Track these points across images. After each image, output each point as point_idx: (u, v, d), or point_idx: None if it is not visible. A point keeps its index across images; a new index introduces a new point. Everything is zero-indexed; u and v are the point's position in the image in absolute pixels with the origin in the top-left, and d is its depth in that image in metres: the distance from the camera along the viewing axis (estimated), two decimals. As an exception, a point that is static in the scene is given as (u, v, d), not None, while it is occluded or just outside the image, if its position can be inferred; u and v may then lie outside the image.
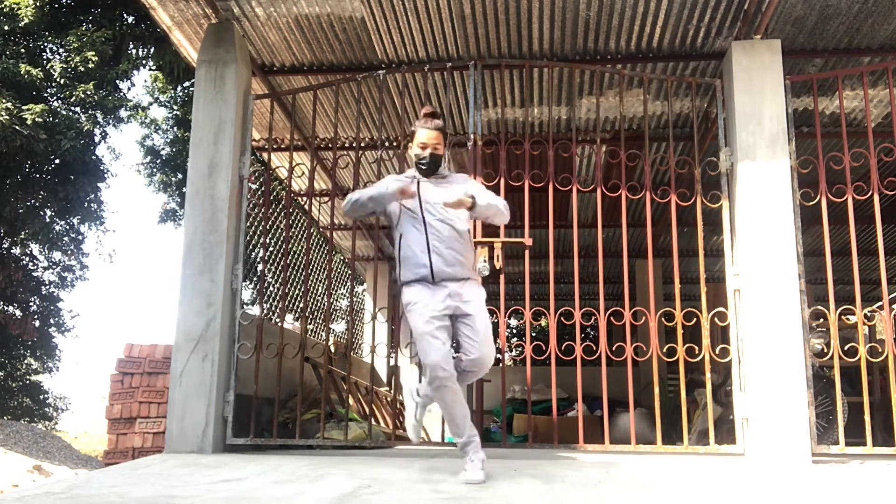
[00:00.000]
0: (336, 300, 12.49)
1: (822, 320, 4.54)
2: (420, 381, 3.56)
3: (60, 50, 10.51)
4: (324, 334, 6.97)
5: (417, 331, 3.27)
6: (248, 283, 10.32)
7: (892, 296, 4.75)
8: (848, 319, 4.65)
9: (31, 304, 12.53)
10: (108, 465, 5.34)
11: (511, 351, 16.02)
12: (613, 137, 6.21)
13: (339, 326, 13.09)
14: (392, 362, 9.86)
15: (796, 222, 4.40)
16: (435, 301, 3.29)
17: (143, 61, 11.27)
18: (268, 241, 5.60)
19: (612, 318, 4.59)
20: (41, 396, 14.54)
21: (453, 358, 3.26)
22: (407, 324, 3.41)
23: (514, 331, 17.37)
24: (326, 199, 7.01)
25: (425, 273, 3.32)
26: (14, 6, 10.16)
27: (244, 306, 6.77)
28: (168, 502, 2.72)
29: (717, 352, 4.37)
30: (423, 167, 3.44)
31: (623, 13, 4.71)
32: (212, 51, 4.80)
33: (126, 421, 5.65)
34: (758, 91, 4.55)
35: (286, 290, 5.16)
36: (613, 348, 4.47)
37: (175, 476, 3.37)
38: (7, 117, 9.07)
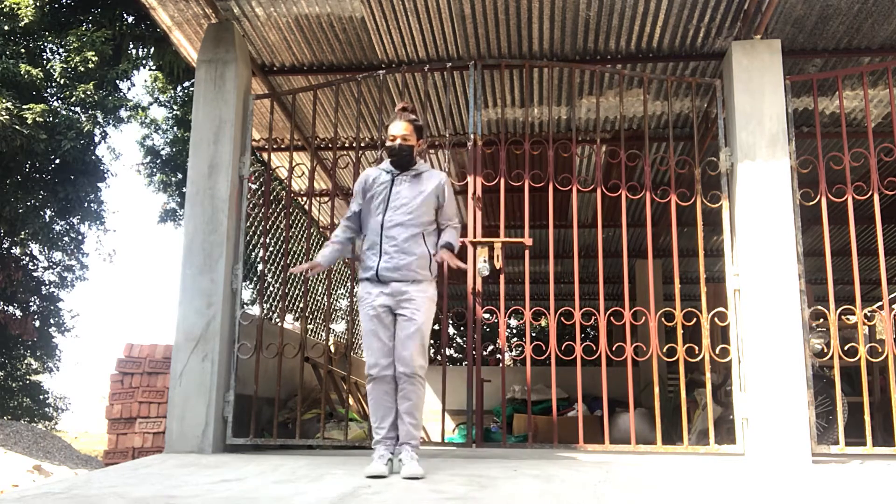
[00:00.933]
0: (336, 300, 12.49)
1: (822, 320, 4.55)
2: None
3: (60, 50, 10.51)
4: (324, 334, 6.97)
5: (364, 327, 3.49)
6: (248, 283, 10.31)
7: (892, 296, 4.75)
8: (848, 319, 4.65)
9: (31, 304, 12.54)
10: (108, 465, 5.34)
11: (511, 351, 16.02)
12: (613, 137, 6.21)
13: (339, 326, 13.09)
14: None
15: (796, 222, 4.40)
16: (375, 297, 3.48)
17: (143, 61, 11.27)
18: (268, 241, 5.60)
19: (612, 318, 4.59)
20: (41, 396, 14.55)
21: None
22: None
23: (514, 331, 17.37)
24: (326, 199, 7.01)
25: (371, 274, 3.51)
26: (14, 6, 10.16)
27: (244, 306, 6.77)
28: (168, 502, 2.72)
29: (717, 352, 4.37)
30: (393, 158, 3.55)
31: (623, 13, 4.71)
32: (212, 51, 4.80)
33: (126, 421, 5.65)
34: (758, 91, 4.55)
35: (286, 290, 5.16)
36: (613, 348, 4.47)
37: (175, 476, 3.37)
38: (7, 117, 9.07)
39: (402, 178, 3.57)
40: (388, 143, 3.54)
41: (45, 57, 10.60)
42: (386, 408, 3.44)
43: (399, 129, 3.53)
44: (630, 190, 4.89)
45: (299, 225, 8.59)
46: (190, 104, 9.86)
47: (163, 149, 12.70)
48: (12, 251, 11.78)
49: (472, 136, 4.79)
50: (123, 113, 11.41)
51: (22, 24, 10.15)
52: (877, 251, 4.59)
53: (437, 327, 13.89)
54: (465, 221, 3.85)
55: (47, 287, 12.74)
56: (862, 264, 8.84)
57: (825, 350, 4.49)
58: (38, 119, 9.38)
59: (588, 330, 15.60)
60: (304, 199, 7.39)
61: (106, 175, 11.49)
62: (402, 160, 3.54)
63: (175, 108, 12.34)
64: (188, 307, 4.47)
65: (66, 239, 12.10)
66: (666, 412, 6.19)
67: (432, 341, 12.94)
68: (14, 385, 13.89)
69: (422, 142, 3.63)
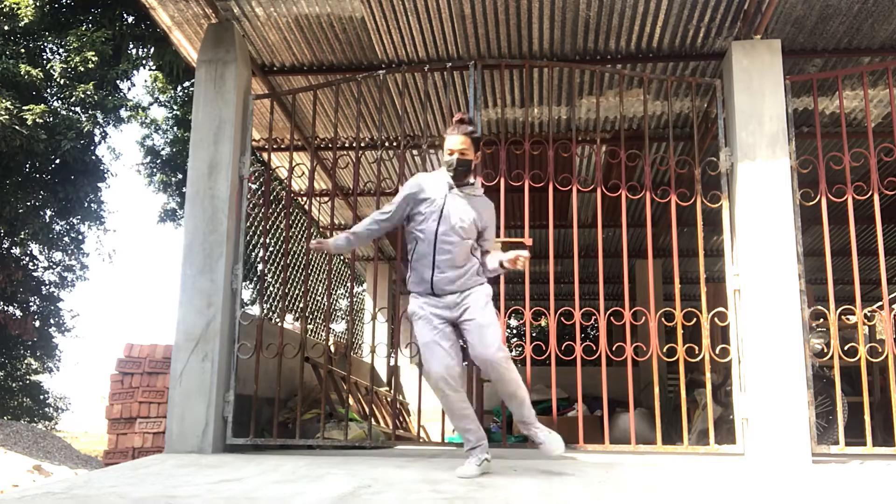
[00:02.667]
0: (336, 300, 12.49)
1: (822, 320, 4.54)
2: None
3: (60, 50, 10.51)
4: (324, 334, 6.97)
5: (422, 340, 3.42)
6: (248, 283, 10.31)
7: (892, 296, 4.75)
8: (848, 319, 4.65)
9: (31, 304, 12.53)
10: (108, 465, 5.33)
11: (511, 351, 16.02)
12: (613, 137, 6.21)
13: (339, 326, 13.09)
14: (392, 362, 9.85)
15: (796, 222, 4.40)
16: (437, 310, 3.45)
17: (143, 61, 11.27)
18: (268, 241, 5.60)
19: (612, 318, 4.59)
20: (41, 396, 14.54)
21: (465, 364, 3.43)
22: (410, 328, 3.58)
23: (515, 331, 17.37)
24: (326, 199, 7.01)
25: (427, 288, 3.48)
26: (14, 6, 10.16)
27: (244, 306, 6.77)
28: (168, 502, 2.72)
29: (717, 352, 4.37)
30: (452, 172, 3.48)
31: (623, 13, 4.71)
32: (212, 51, 4.80)
33: (126, 421, 5.64)
34: (758, 91, 4.55)
35: (286, 290, 5.16)
36: (613, 348, 4.47)
37: (175, 476, 3.37)
38: (7, 117, 9.07)
39: (458, 193, 3.50)
40: (447, 157, 3.48)
41: (45, 57, 10.60)
42: (469, 411, 3.43)
43: (456, 143, 3.46)
44: (630, 190, 4.89)
45: (299, 225, 8.59)
46: (190, 104, 9.86)
47: (163, 149, 12.70)
48: (12, 251, 11.78)
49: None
50: (123, 113, 11.42)
51: (22, 24, 10.15)
52: (877, 251, 4.59)
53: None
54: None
55: (47, 287, 12.74)
56: (862, 264, 8.84)
57: (825, 350, 4.49)
58: (38, 119, 9.38)
59: (588, 330, 15.60)
60: (304, 199, 7.39)
61: (106, 175, 11.48)
62: (460, 174, 3.49)
63: (175, 108, 12.34)
64: (188, 307, 4.47)
65: (66, 239, 12.10)
66: (666, 412, 6.19)
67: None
68: (14, 385, 13.88)
69: (478, 155, 3.58)
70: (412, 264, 3.54)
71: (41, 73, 10.01)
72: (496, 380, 3.40)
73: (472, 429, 3.45)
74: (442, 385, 3.33)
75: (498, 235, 4.71)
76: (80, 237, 12.23)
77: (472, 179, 3.59)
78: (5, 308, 11.97)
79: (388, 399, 8.22)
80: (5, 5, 10.14)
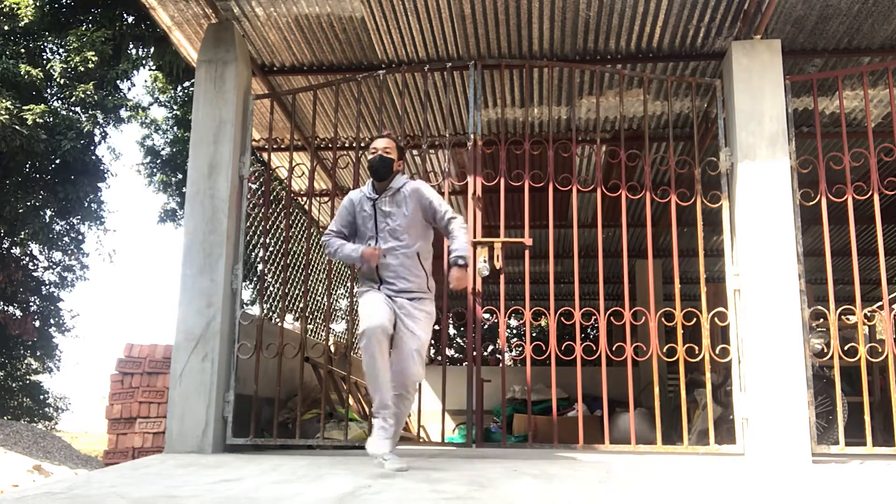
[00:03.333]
0: (336, 300, 12.49)
1: (822, 320, 4.54)
2: None
3: (60, 50, 10.51)
4: (324, 334, 6.97)
5: (365, 301, 3.56)
6: (248, 283, 10.31)
7: (892, 296, 4.75)
8: (848, 319, 4.65)
9: (31, 304, 12.53)
10: (108, 465, 5.33)
11: (511, 351, 16.03)
12: (613, 137, 6.21)
13: (339, 326, 13.09)
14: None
15: (796, 222, 4.40)
16: (379, 290, 3.62)
17: (143, 61, 11.27)
18: (268, 241, 5.60)
19: (612, 318, 4.59)
20: (41, 396, 14.54)
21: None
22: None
23: (514, 331, 17.37)
24: (326, 199, 7.01)
25: (375, 286, 3.65)
26: (14, 6, 10.16)
27: (244, 306, 6.77)
28: (168, 502, 2.72)
29: (717, 352, 4.37)
30: (372, 169, 3.63)
31: (623, 13, 4.71)
32: (212, 51, 4.80)
33: (126, 421, 5.64)
34: (758, 91, 4.55)
35: (286, 290, 5.16)
36: (613, 348, 4.47)
37: (175, 476, 3.37)
38: (7, 117, 9.07)
39: (383, 200, 3.66)
40: (370, 156, 3.65)
41: (45, 57, 10.60)
42: (385, 375, 3.47)
43: (381, 143, 3.67)
44: (630, 190, 4.89)
45: (299, 225, 8.59)
46: (190, 104, 9.86)
47: (163, 149, 12.70)
48: (12, 251, 11.78)
49: (472, 136, 4.79)
50: (123, 113, 11.42)
51: (22, 24, 10.15)
52: (877, 251, 4.59)
53: (437, 327, 13.88)
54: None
55: (47, 287, 12.74)
56: (862, 264, 8.83)
57: (825, 350, 4.49)
58: (38, 119, 9.38)
59: (588, 330, 15.60)
60: (304, 199, 7.39)
61: (106, 175, 11.49)
62: (381, 172, 3.63)
63: (175, 108, 12.34)
64: (188, 307, 4.47)
65: (66, 239, 12.10)
66: (666, 412, 6.19)
67: (433, 341, 12.93)
68: (14, 385, 13.88)
69: (401, 163, 3.73)
70: (360, 269, 3.73)
71: (41, 73, 10.01)
72: (400, 390, 3.50)
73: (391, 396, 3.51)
74: (375, 334, 3.37)
75: (497, 235, 4.72)
76: (80, 237, 12.23)
77: (400, 177, 3.71)
78: (5, 308, 11.98)
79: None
80: (5, 5, 10.14)
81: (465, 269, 3.61)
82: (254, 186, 6.25)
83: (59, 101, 10.46)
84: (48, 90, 10.46)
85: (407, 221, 3.61)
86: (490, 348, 16.92)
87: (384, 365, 3.43)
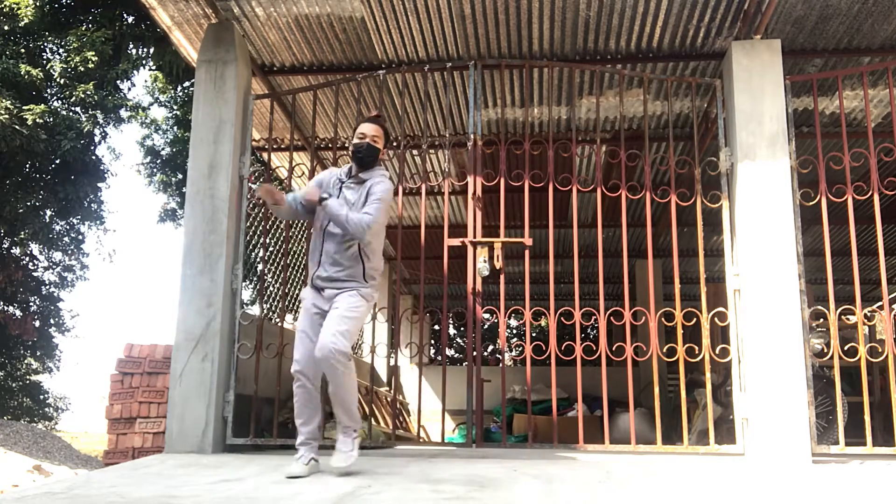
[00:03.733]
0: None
1: (822, 320, 4.54)
2: None
3: (60, 50, 10.51)
4: (324, 334, 6.95)
5: (297, 325, 3.53)
6: (248, 283, 10.31)
7: (892, 296, 4.75)
8: (848, 319, 4.65)
9: (31, 304, 12.53)
10: (108, 465, 5.33)
11: (511, 351, 16.03)
12: (613, 137, 6.21)
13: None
14: (392, 362, 9.85)
15: (796, 222, 4.40)
16: (314, 300, 3.50)
17: (143, 61, 11.27)
18: (268, 241, 5.60)
19: (612, 318, 4.59)
20: (41, 396, 14.55)
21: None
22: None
23: (514, 331, 17.38)
24: (326, 199, 6.99)
25: (310, 280, 3.54)
26: (14, 6, 10.16)
27: (244, 306, 6.77)
28: (168, 502, 2.72)
29: (717, 352, 4.37)
30: (359, 155, 3.52)
31: (623, 13, 4.71)
32: (212, 51, 4.80)
33: (126, 421, 5.64)
34: (758, 91, 4.55)
35: (286, 290, 5.16)
36: (613, 348, 4.47)
37: (175, 476, 3.37)
38: (7, 117, 9.07)
39: (349, 183, 3.57)
40: (356, 141, 3.51)
41: (45, 57, 10.60)
42: (311, 410, 3.48)
43: (370, 129, 3.53)
44: (630, 190, 4.89)
45: (299, 225, 8.58)
46: (190, 104, 9.86)
47: (163, 149, 12.71)
48: (12, 251, 11.78)
49: (472, 136, 4.79)
50: (123, 113, 11.42)
51: (22, 24, 10.15)
52: (877, 251, 4.59)
53: (436, 327, 13.89)
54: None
55: (47, 287, 12.74)
56: (862, 264, 8.83)
57: (825, 350, 4.49)
58: (38, 119, 9.38)
59: (588, 330, 15.60)
60: (304, 199, 7.38)
61: (106, 175, 11.49)
62: (365, 160, 3.53)
63: (175, 108, 12.34)
64: (188, 307, 4.47)
65: (66, 239, 12.11)
66: (666, 412, 6.19)
67: (432, 341, 12.93)
68: (14, 385, 13.88)
69: (386, 149, 3.64)
70: (308, 255, 3.62)
71: (41, 73, 10.00)
72: (328, 375, 3.35)
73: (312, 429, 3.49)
74: (297, 368, 3.42)
75: (497, 235, 4.72)
76: (80, 237, 12.24)
77: (376, 169, 3.59)
78: (5, 308, 11.98)
79: (388, 399, 8.22)
80: (5, 5, 10.14)
81: (320, 206, 3.44)
82: (254, 186, 6.25)
83: (59, 101, 10.46)
84: (48, 90, 10.46)
85: (357, 208, 3.46)
86: (490, 348, 16.93)
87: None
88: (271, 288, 8.65)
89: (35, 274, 12.45)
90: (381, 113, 3.65)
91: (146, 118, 12.53)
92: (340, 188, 3.56)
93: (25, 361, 13.92)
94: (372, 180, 3.54)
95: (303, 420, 3.45)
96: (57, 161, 10.51)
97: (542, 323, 14.52)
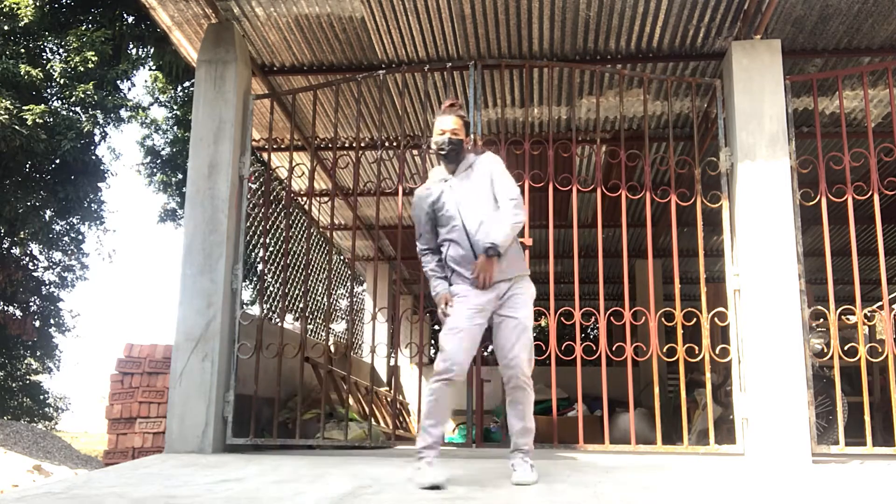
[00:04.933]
0: (336, 300, 12.49)
1: (822, 320, 4.54)
2: None
3: (60, 50, 10.52)
4: (324, 334, 6.97)
5: (450, 324, 3.19)
6: (248, 283, 10.32)
7: (892, 296, 4.75)
8: (848, 319, 4.65)
9: (31, 304, 12.53)
10: (108, 465, 5.33)
11: (511, 351, 15.99)
12: (613, 137, 6.21)
13: (339, 326, 13.09)
14: (392, 362, 9.85)
15: (796, 222, 4.40)
16: (475, 297, 3.21)
17: (143, 61, 11.28)
18: (268, 241, 5.60)
19: (612, 318, 4.58)
20: (41, 396, 14.55)
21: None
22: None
23: (514, 331, 17.33)
24: (326, 199, 7.01)
25: (472, 282, 3.23)
26: (14, 6, 10.16)
27: (244, 306, 6.78)
28: (168, 502, 2.72)
29: (717, 352, 4.37)
30: (443, 152, 3.32)
31: (623, 13, 4.71)
32: (212, 51, 4.80)
33: (126, 421, 5.64)
34: (758, 91, 4.55)
35: (286, 290, 5.16)
36: (613, 348, 4.47)
37: (175, 476, 3.37)
38: (7, 117, 9.08)
39: (458, 179, 3.33)
40: (437, 138, 3.32)
41: (45, 57, 10.60)
42: (446, 411, 3.23)
43: (448, 122, 3.32)
44: (630, 190, 4.89)
45: (299, 225, 8.59)
46: (190, 104, 9.86)
47: (163, 149, 12.71)
48: (12, 251, 11.78)
49: (472, 136, 4.78)
50: (123, 113, 11.43)
51: (22, 24, 10.15)
52: (877, 251, 4.59)
53: (436, 327, 13.89)
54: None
55: (47, 287, 12.74)
56: (862, 264, 8.83)
57: (825, 350, 4.49)
58: (38, 119, 9.39)
59: (588, 330, 15.59)
60: (304, 199, 7.39)
61: (106, 175, 11.50)
62: (451, 154, 3.32)
63: (175, 108, 12.35)
64: (188, 307, 4.47)
65: (66, 239, 12.11)
66: (666, 412, 6.19)
67: (432, 341, 12.94)
68: (14, 385, 13.89)
69: (469, 139, 3.43)
70: (453, 265, 3.29)
71: (41, 73, 10.01)
72: (511, 395, 3.19)
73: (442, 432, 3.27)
74: (451, 367, 3.09)
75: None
76: (80, 237, 12.24)
77: (468, 155, 3.41)
78: (5, 308, 11.98)
79: (388, 399, 8.22)
80: (5, 5, 10.14)
81: (495, 252, 3.18)
82: (254, 186, 6.25)
83: (59, 101, 10.46)
84: (48, 90, 10.47)
85: (485, 196, 3.27)
86: (490, 348, 16.90)
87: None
88: (271, 288, 8.65)
89: (35, 274, 12.46)
90: (455, 101, 3.40)
91: (146, 118, 12.53)
92: (451, 192, 3.32)
93: (25, 361, 13.92)
94: (477, 162, 3.36)
95: (436, 421, 3.15)
96: (57, 161, 10.51)
97: (542, 323, 14.50)
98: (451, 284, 3.31)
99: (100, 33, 10.02)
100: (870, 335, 7.89)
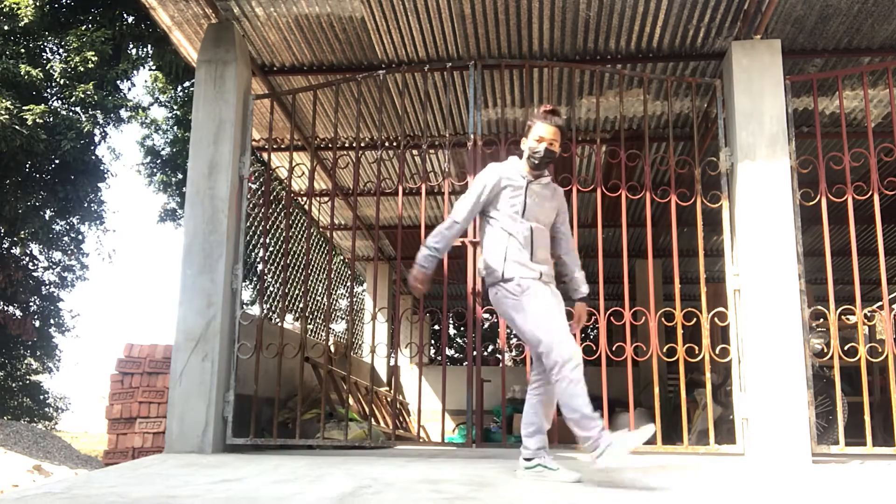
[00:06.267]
0: (336, 300, 12.50)
1: (822, 320, 4.54)
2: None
3: (60, 50, 10.52)
4: (324, 334, 6.97)
5: (542, 311, 3.12)
6: (248, 283, 10.32)
7: (892, 296, 4.75)
8: (848, 319, 4.65)
9: (31, 304, 12.53)
10: (108, 465, 5.33)
11: (511, 351, 16.03)
12: (613, 137, 6.21)
13: (339, 326, 13.10)
14: (392, 362, 9.86)
15: (796, 222, 4.40)
16: (552, 296, 3.24)
17: (143, 61, 11.28)
18: (268, 241, 5.60)
19: (612, 318, 4.58)
20: (41, 396, 14.55)
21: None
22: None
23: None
24: (326, 199, 7.01)
25: (536, 275, 3.22)
26: (14, 6, 10.16)
27: (244, 306, 6.78)
28: (168, 502, 2.72)
29: (717, 352, 4.37)
30: (536, 161, 3.28)
31: (623, 13, 4.71)
32: (212, 51, 4.80)
33: (126, 421, 5.64)
34: (758, 91, 4.55)
35: (286, 290, 5.16)
36: (613, 348, 4.46)
37: (175, 476, 3.37)
38: (7, 117, 9.07)
39: (537, 185, 3.33)
40: (535, 145, 3.26)
41: (45, 57, 10.60)
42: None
43: (549, 132, 3.26)
44: (630, 190, 4.89)
45: (299, 225, 8.59)
46: (190, 104, 9.87)
47: (163, 149, 12.72)
48: (12, 251, 11.78)
49: (472, 136, 4.79)
50: (123, 113, 11.43)
51: (22, 24, 10.15)
52: (877, 251, 4.59)
53: (436, 327, 13.89)
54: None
55: (47, 287, 12.74)
56: (862, 264, 8.83)
57: (825, 350, 4.49)
58: (38, 119, 9.39)
59: (588, 330, 15.61)
60: (304, 199, 7.39)
61: (106, 175, 11.49)
62: (541, 166, 3.30)
63: (175, 108, 12.35)
64: (188, 307, 4.47)
65: (66, 239, 12.11)
66: (666, 412, 6.19)
67: (432, 341, 12.94)
68: (14, 385, 13.89)
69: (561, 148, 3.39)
70: (515, 253, 3.23)
71: (41, 73, 10.01)
72: (553, 391, 3.18)
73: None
74: (580, 361, 3.01)
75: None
76: (80, 237, 12.24)
77: (546, 172, 3.43)
78: (5, 308, 11.98)
79: (388, 399, 8.22)
80: (5, 5, 10.14)
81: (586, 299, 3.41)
82: (254, 186, 6.26)
83: (59, 101, 10.46)
84: (48, 90, 10.46)
85: (554, 212, 3.38)
86: (490, 348, 16.93)
87: None
88: (271, 288, 8.65)
89: (35, 274, 12.45)
90: (556, 108, 3.36)
91: (146, 118, 12.53)
92: (526, 190, 3.30)
93: (25, 361, 13.92)
94: (554, 187, 3.43)
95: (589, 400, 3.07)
96: (57, 161, 10.51)
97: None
98: (506, 272, 3.22)
99: (100, 33, 10.02)
100: (870, 335, 7.89)
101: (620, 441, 2.96)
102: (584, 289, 3.45)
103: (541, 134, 3.27)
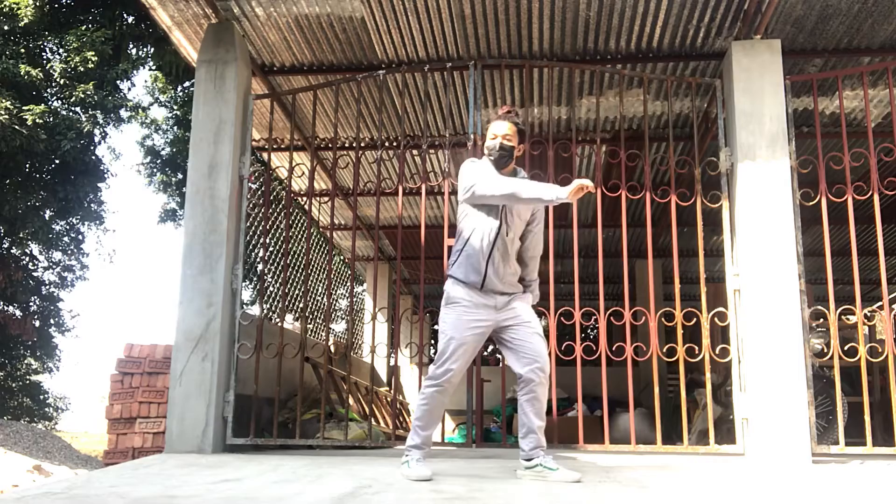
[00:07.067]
0: (336, 300, 12.50)
1: (822, 320, 4.54)
2: None
3: (60, 50, 10.52)
4: (324, 334, 6.97)
5: (455, 336, 3.24)
6: (248, 283, 10.32)
7: (892, 296, 4.75)
8: (848, 319, 4.65)
9: (31, 304, 12.53)
10: (108, 465, 5.34)
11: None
12: (613, 137, 6.21)
13: (339, 326, 13.10)
14: (392, 362, 9.86)
15: (796, 222, 4.40)
16: (478, 309, 3.27)
17: (143, 61, 11.28)
18: (268, 241, 5.60)
19: (612, 318, 4.59)
20: (41, 396, 14.53)
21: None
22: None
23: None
24: (326, 199, 7.02)
25: (476, 280, 3.27)
26: (14, 6, 10.16)
27: (244, 306, 6.78)
28: (168, 502, 2.72)
29: (717, 352, 4.37)
30: (493, 157, 3.34)
31: (623, 13, 4.71)
32: (212, 51, 4.80)
33: (126, 421, 5.65)
34: (758, 91, 4.55)
35: (286, 290, 5.16)
36: (613, 348, 4.47)
37: (175, 476, 3.37)
38: (7, 117, 9.07)
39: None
40: (489, 142, 3.34)
41: (45, 57, 10.60)
42: (439, 417, 3.41)
43: (502, 128, 3.33)
44: (630, 190, 4.89)
45: (299, 225, 8.59)
46: (190, 104, 9.87)
47: (163, 149, 12.72)
48: (12, 251, 11.78)
49: (472, 136, 4.78)
50: (123, 113, 11.44)
51: (22, 24, 10.15)
52: (877, 251, 4.59)
53: (436, 327, 13.88)
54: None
55: (47, 287, 12.74)
56: (862, 264, 8.83)
57: (825, 350, 4.49)
58: (38, 119, 9.38)
59: (588, 330, 15.60)
60: (304, 199, 7.39)
61: (106, 175, 11.49)
62: (502, 161, 3.33)
63: (175, 108, 12.35)
64: (188, 307, 4.47)
65: (66, 239, 12.11)
66: (666, 412, 6.19)
67: (432, 341, 12.93)
68: (14, 385, 13.87)
69: (522, 147, 3.41)
70: (462, 257, 3.32)
71: (41, 73, 10.01)
72: (538, 390, 3.26)
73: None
74: (453, 379, 3.24)
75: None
76: (80, 237, 12.24)
77: (518, 171, 3.45)
78: (5, 308, 11.97)
79: (388, 399, 8.22)
80: (5, 5, 10.13)
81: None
82: (254, 186, 6.26)
83: (59, 101, 10.46)
84: (48, 90, 10.46)
85: (524, 215, 3.37)
86: (490, 348, 16.90)
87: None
88: (271, 288, 8.65)
89: (35, 274, 12.45)
90: (512, 108, 3.42)
91: (146, 118, 12.54)
92: None
93: (25, 361, 13.91)
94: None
95: (425, 424, 3.36)
96: (57, 161, 10.51)
97: (542, 323, 14.51)
98: (454, 278, 3.32)
99: (100, 33, 10.02)
100: (870, 335, 7.89)
101: (413, 468, 3.23)
102: (532, 299, 3.47)
103: (495, 131, 3.37)
